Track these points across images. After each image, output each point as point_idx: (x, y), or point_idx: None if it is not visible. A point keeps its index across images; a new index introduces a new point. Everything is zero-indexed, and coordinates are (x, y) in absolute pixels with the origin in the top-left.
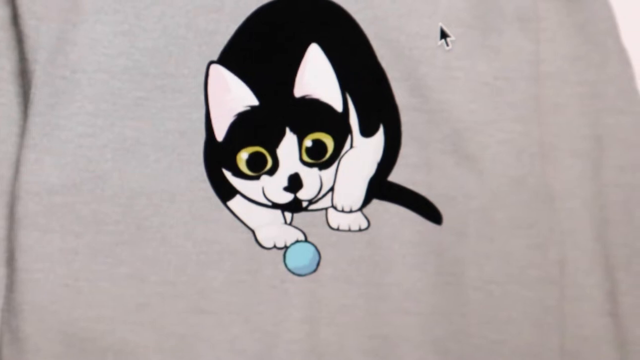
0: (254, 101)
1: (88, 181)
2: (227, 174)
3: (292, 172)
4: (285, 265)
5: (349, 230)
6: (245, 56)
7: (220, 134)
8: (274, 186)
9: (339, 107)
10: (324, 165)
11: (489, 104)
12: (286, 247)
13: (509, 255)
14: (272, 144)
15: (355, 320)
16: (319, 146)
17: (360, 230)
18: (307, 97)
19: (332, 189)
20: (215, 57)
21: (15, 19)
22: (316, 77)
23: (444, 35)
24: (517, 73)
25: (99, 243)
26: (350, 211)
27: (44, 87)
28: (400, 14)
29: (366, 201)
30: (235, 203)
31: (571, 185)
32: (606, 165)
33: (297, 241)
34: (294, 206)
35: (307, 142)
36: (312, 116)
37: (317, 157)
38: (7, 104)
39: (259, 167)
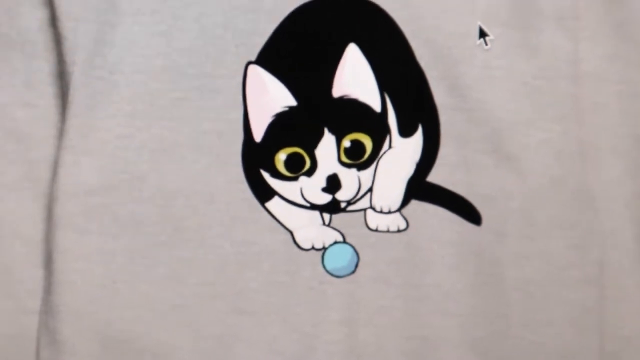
0: (292, 102)
1: (126, 182)
2: (265, 175)
3: (330, 172)
4: (324, 266)
5: (388, 231)
6: (284, 56)
7: (258, 135)
8: (312, 187)
9: (377, 107)
10: (362, 166)
11: (528, 104)
12: (324, 249)
13: (548, 256)
14: (311, 145)
15: (393, 322)
16: (357, 147)
17: (399, 231)
18: (345, 97)
19: (370, 190)
20: (253, 58)
21: (53, 20)
22: (355, 77)
23: (482, 34)
24: (556, 72)
25: (136, 244)
26: (389, 212)
27: (82, 88)
28: (438, 13)
29: (405, 202)
30: (274, 204)
31: (611, 185)
32: None
33: (336, 242)
34: (333, 207)
35: (346, 143)
36: (350, 116)
37: (356, 158)
38: (45, 105)
39: (297, 168)
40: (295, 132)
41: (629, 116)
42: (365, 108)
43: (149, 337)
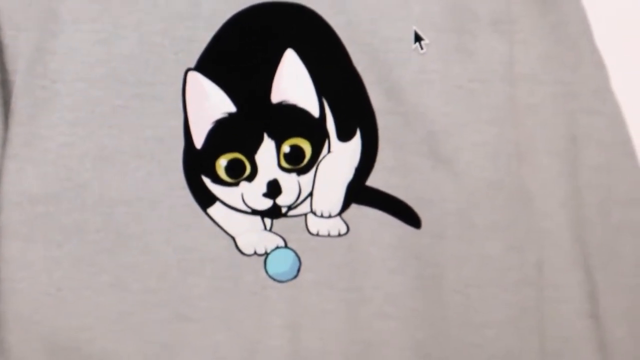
0: (231, 108)
1: (69, 190)
2: (207, 181)
3: (270, 178)
4: (266, 271)
5: (329, 235)
6: (222, 63)
7: (198, 141)
8: (253, 192)
9: (315, 112)
10: (302, 171)
11: (464, 107)
12: (267, 254)
13: (487, 258)
14: (251, 150)
15: (336, 326)
16: (296, 152)
17: (339, 235)
18: (284, 102)
19: (310, 195)
20: (192, 65)
21: None
22: (293, 82)
23: (418, 38)
24: (491, 75)
25: (80, 252)
26: (330, 216)
27: (24, 97)
28: (373, 18)
29: (345, 206)
30: (215, 210)
31: (548, 186)
32: (582, 165)
33: (278, 247)
34: (274, 212)
35: (285, 148)
36: (289, 122)
37: (296, 163)
38: None
39: (237, 173)
40: (235, 138)
41: (564, 117)
42: (303, 113)
43: (94, 344)
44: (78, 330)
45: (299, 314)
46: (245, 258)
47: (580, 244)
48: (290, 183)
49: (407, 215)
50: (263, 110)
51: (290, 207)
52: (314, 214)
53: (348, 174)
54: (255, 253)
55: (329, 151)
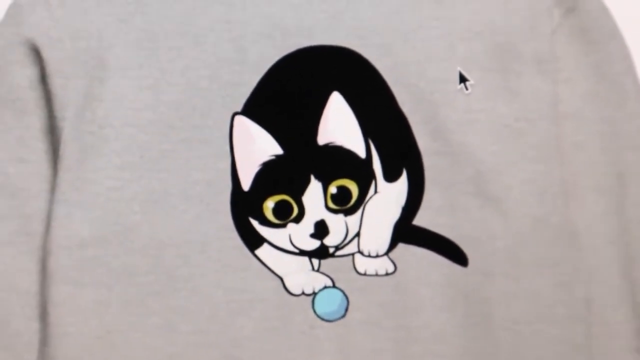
0: (278, 150)
1: (118, 234)
2: (254, 223)
3: (318, 219)
4: (314, 311)
5: (376, 274)
6: (269, 106)
7: (246, 184)
8: (300, 233)
9: (362, 153)
10: (349, 211)
11: (510, 146)
12: (315, 294)
13: (535, 295)
14: (298, 192)
15: None
16: (343, 192)
17: (387, 274)
18: (330, 144)
19: (358, 235)
20: (239, 109)
21: (43, 77)
22: (339, 124)
23: (463, 79)
24: (536, 114)
25: (130, 294)
26: (377, 256)
27: (73, 143)
28: (419, 59)
29: (392, 245)
30: (263, 251)
31: (595, 222)
32: (629, 201)
33: (325, 287)
34: (321, 252)
35: (332, 189)
36: (336, 163)
37: (342, 204)
38: (37, 160)
39: (285, 215)
40: (282, 180)
41: (610, 154)
42: (350, 154)
43: None
44: None
45: (348, 353)
46: (293, 298)
47: (628, 280)
48: (337, 224)
49: (454, 253)
50: (310, 152)
51: (337, 247)
52: (362, 253)
53: (395, 214)
54: (303, 293)
55: (375, 191)
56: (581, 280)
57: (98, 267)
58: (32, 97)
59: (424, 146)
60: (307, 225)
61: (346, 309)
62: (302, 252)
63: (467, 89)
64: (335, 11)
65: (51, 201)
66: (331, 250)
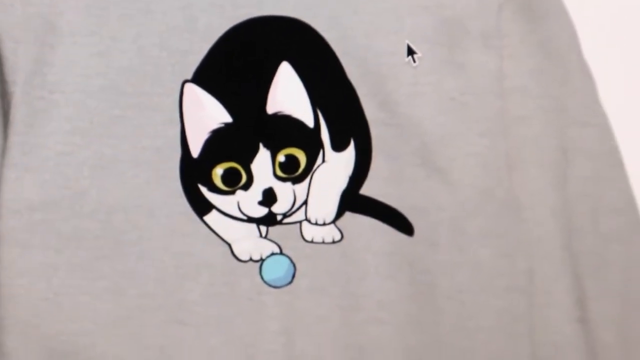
0: (227, 118)
1: (67, 198)
2: (203, 189)
3: (266, 186)
4: (262, 277)
5: (323, 242)
6: (219, 75)
7: (195, 151)
8: (248, 200)
9: (310, 122)
10: (297, 180)
11: (456, 118)
12: (262, 260)
13: (478, 265)
14: (246, 160)
15: (330, 331)
16: (291, 161)
17: (333, 242)
18: (279, 113)
19: (305, 203)
20: (189, 76)
21: None
22: (288, 94)
23: (410, 52)
24: (482, 88)
25: (78, 258)
26: (324, 224)
27: (23, 107)
28: (367, 32)
29: (339, 214)
30: (212, 217)
31: (538, 195)
32: (571, 175)
33: (273, 254)
34: (269, 220)
35: (281, 157)
36: (284, 132)
37: (290, 172)
38: None
39: (233, 182)
40: (231, 147)
41: (554, 129)
42: (298, 124)
43: (92, 349)
44: (76, 335)
45: (294, 320)
46: (241, 264)
47: (570, 252)
48: (285, 191)
49: (400, 223)
50: (259, 121)
51: (285, 215)
52: (309, 221)
53: (342, 183)
54: (250, 259)
55: (323, 161)
56: (523, 252)
57: (47, 231)
58: None
59: (371, 117)
60: (256, 192)
61: (293, 276)
62: (250, 219)
63: (414, 61)
64: None
65: (1, 165)
66: (279, 217)
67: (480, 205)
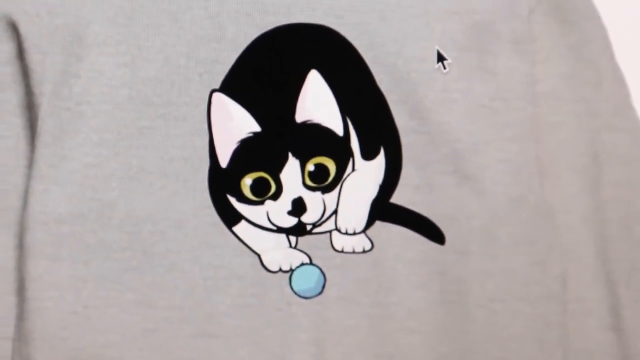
0: (256, 127)
1: (95, 210)
2: (232, 200)
3: (295, 196)
4: (291, 288)
5: (353, 252)
6: (247, 84)
7: (224, 161)
8: (278, 210)
9: (340, 131)
10: (326, 189)
11: (487, 125)
12: (292, 270)
13: (511, 273)
14: (275, 169)
15: (360, 341)
16: (321, 170)
17: (364, 251)
18: (308, 122)
19: (335, 212)
20: (217, 86)
21: (20, 53)
22: (317, 102)
23: (440, 58)
24: (512, 94)
25: (106, 270)
26: (354, 233)
27: (50, 119)
28: (396, 38)
29: (369, 223)
30: (241, 228)
31: (570, 201)
32: (604, 181)
33: (303, 264)
34: (299, 230)
35: (310, 167)
36: (313, 141)
37: (320, 181)
38: (14, 136)
39: (262, 192)
40: (260, 157)
41: (586, 134)
42: (328, 132)
43: None
44: (104, 348)
45: (324, 330)
46: (270, 275)
47: (603, 259)
48: (314, 201)
49: (431, 231)
50: (287, 130)
51: (315, 225)
52: (339, 231)
53: (372, 192)
54: (280, 270)
55: (353, 169)
56: (556, 258)
57: (75, 243)
58: (9, 72)
59: (401, 124)
60: (285, 202)
61: (323, 286)
62: (279, 229)
63: (444, 68)
64: None
65: (28, 177)
66: (308, 227)
67: (512, 212)
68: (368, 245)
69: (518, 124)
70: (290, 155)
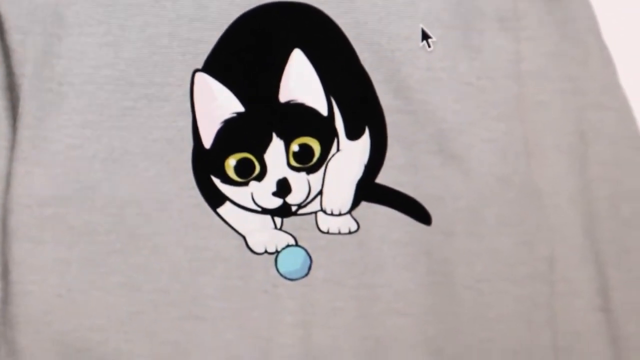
0: (239, 108)
1: (78, 192)
2: (216, 181)
3: (280, 177)
4: (277, 269)
5: (339, 233)
6: (230, 63)
7: (207, 141)
8: (262, 191)
9: (324, 111)
10: (311, 169)
11: (472, 104)
12: (277, 252)
13: (498, 253)
14: (260, 150)
15: (347, 323)
16: (306, 150)
17: (349, 232)
18: (292, 102)
19: (320, 193)
20: (199, 66)
21: (1, 34)
22: (300, 82)
23: (425, 36)
24: (498, 72)
25: (91, 253)
26: (340, 214)
27: (32, 100)
28: (380, 16)
29: (355, 204)
30: (225, 209)
31: (557, 181)
32: (591, 160)
33: (288, 245)
34: (284, 211)
35: (294, 147)
36: (298, 121)
37: (305, 162)
38: None
39: (247, 173)
40: (244, 137)
41: (572, 113)
42: (312, 112)
43: (106, 345)
44: (89, 331)
45: (310, 312)
46: (255, 257)
47: (591, 239)
48: (299, 182)
49: (417, 212)
50: (271, 110)
51: (300, 206)
52: (324, 212)
53: (358, 172)
54: (266, 252)
55: (338, 150)
56: (544, 239)
57: (58, 225)
58: None
59: (386, 104)
60: (270, 183)
61: (309, 268)
62: (264, 211)
63: (429, 46)
64: None
65: (10, 159)
66: (294, 208)
67: (498, 192)
68: (354, 226)
69: (504, 102)
70: (274, 135)
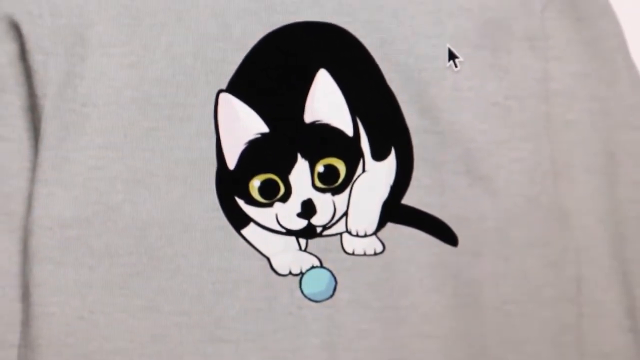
0: (264, 128)
1: (100, 213)
2: (240, 202)
3: (305, 198)
4: (302, 291)
5: (364, 254)
6: (254, 84)
7: (231, 162)
8: (287, 213)
9: (349, 131)
10: (336, 190)
11: (500, 124)
12: (302, 274)
13: (525, 275)
14: (284, 171)
15: (373, 345)
16: (331, 171)
17: (375, 254)
18: (317, 122)
19: (345, 214)
20: (223, 86)
21: (22, 54)
22: (326, 102)
23: (452, 56)
24: (526, 92)
25: (112, 275)
26: (365, 235)
27: (54, 121)
28: (407, 36)
29: (380, 225)
30: (249, 231)
31: (585, 202)
32: (620, 181)
33: (313, 267)
34: (308, 232)
35: (319, 168)
36: (323, 141)
37: (330, 182)
38: (17, 139)
39: (271, 194)
40: (268, 158)
41: (601, 133)
42: (337, 133)
43: None
44: (111, 354)
45: (335, 334)
46: (280, 278)
47: (619, 260)
48: (324, 203)
49: (444, 233)
50: (296, 131)
51: (325, 227)
52: (349, 233)
53: (383, 193)
54: (290, 273)
55: (363, 170)
56: (571, 260)
57: (80, 247)
58: (11, 74)
59: (412, 124)
60: (294, 204)
61: (334, 289)
62: (289, 232)
63: (456, 66)
64: None
65: (32, 180)
66: (318, 229)
67: (526, 213)
68: (379, 248)
69: (531, 122)
70: (299, 156)
